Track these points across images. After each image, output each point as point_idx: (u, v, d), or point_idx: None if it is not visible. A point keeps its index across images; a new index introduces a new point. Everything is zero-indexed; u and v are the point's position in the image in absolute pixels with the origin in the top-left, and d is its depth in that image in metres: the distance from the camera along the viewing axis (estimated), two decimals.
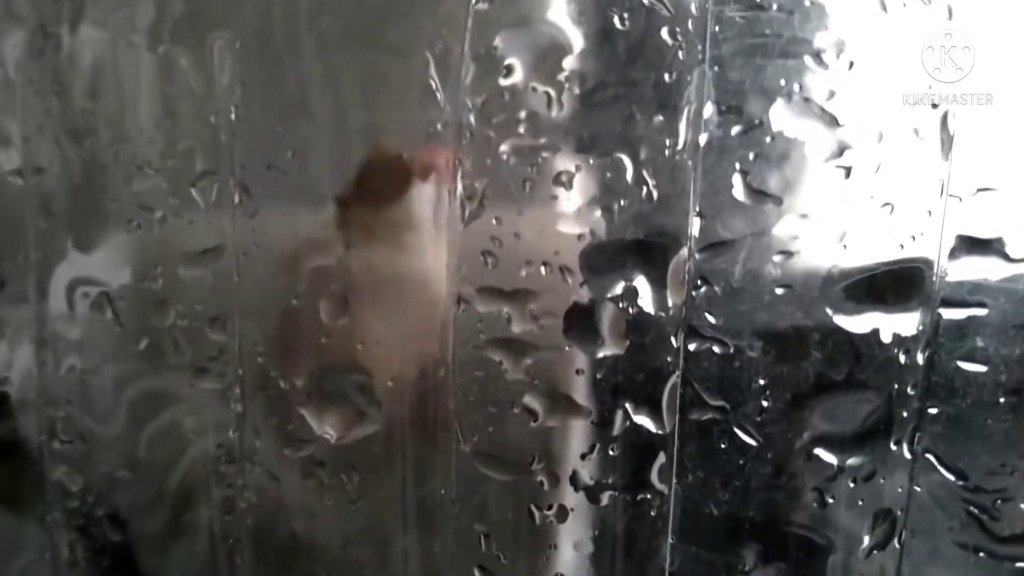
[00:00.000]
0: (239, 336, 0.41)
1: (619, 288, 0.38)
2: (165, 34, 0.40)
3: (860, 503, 0.40)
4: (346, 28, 0.39)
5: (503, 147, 0.38)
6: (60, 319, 0.42)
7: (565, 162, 0.38)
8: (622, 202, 0.37)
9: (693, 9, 0.38)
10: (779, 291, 0.38)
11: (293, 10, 0.39)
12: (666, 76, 0.37)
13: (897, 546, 0.41)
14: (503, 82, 0.38)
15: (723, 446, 0.40)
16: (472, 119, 0.38)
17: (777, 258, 0.38)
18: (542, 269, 0.38)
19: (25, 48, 0.41)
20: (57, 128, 0.41)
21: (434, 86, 0.39)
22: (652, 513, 0.41)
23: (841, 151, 0.37)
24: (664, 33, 0.38)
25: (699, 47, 0.38)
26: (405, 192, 0.38)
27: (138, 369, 0.42)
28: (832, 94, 0.37)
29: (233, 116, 0.39)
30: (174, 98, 0.40)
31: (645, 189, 0.38)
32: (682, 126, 0.37)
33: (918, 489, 0.41)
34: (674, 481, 0.40)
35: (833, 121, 0.37)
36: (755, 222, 0.38)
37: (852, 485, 0.40)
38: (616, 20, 0.38)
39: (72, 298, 0.42)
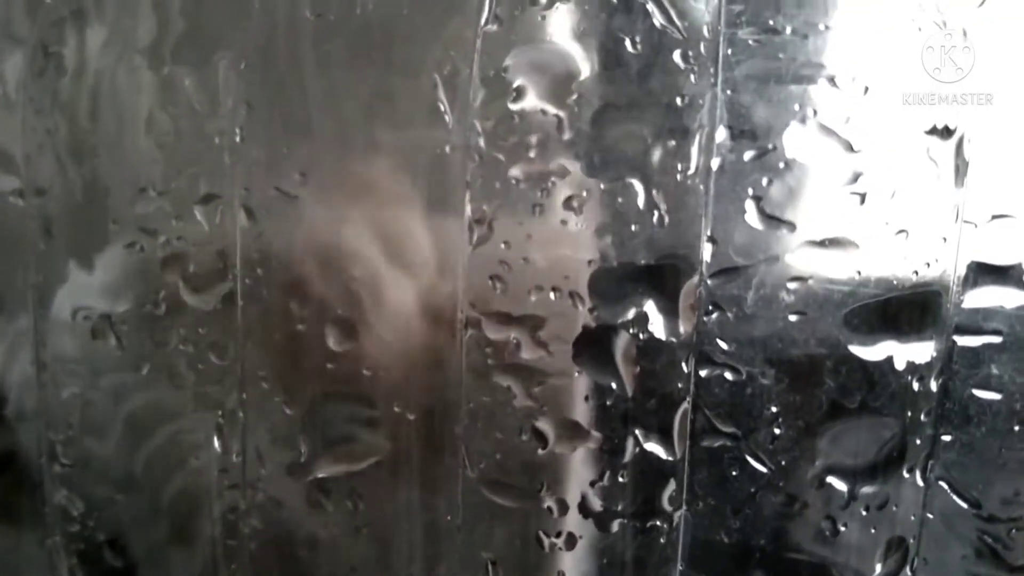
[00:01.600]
0: (242, 361, 0.41)
1: (630, 314, 0.38)
2: (168, 54, 0.40)
3: (872, 531, 0.39)
4: (352, 49, 0.39)
5: (512, 171, 0.37)
6: (60, 342, 0.41)
7: (575, 186, 0.37)
8: (633, 227, 0.37)
9: (705, 32, 0.37)
10: (792, 318, 0.37)
11: (298, 30, 0.39)
12: (678, 100, 0.37)
13: (909, 574, 0.41)
14: (512, 105, 0.37)
15: (734, 473, 0.39)
16: (481, 142, 0.38)
17: (791, 284, 0.37)
18: (551, 294, 0.38)
19: (26, 68, 0.41)
20: (58, 149, 0.40)
21: (442, 108, 0.38)
22: (662, 540, 0.40)
23: (856, 177, 0.37)
24: (676, 56, 0.37)
25: (711, 70, 0.37)
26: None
27: (139, 394, 0.41)
28: (847, 119, 0.36)
29: (238, 138, 0.39)
30: (177, 119, 0.39)
31: (656, 214, 0.37)
32: (694, 150, 0.37)
33: (930, 517, 0.40)
34: (684, 508, 0.40)
35: (848, 146, 0.36)
36: (768, 248, 0.37)
37: (864, 513, 0.39)
38: (627, 43, 0.37)
39: (72, 321, 0.41)
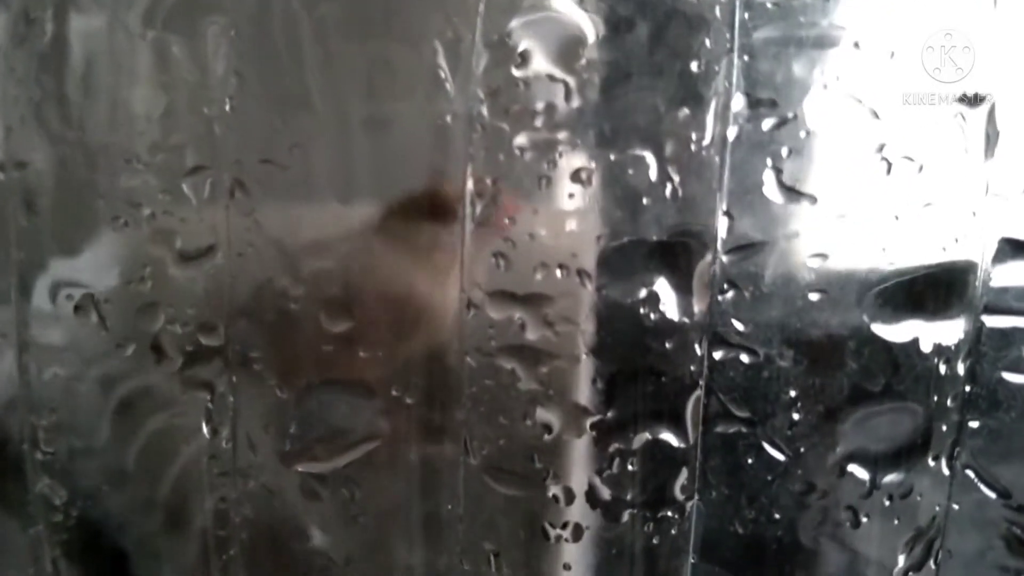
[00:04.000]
0: (233, 342, 0.39)
1: (640, 292, 0.36)
2: (157, 21, 0.38)
3: (896, 522, 0.37)
4: (348, 15, 0.37)
5: (517, 141, 0.35)
6: (42, 322, 0.40)
7: (584, 158, 0.35)
8: (644, 201, 0.35)
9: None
10: (813, 296, 0.35)
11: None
12: (692, 66, 0.35)
13: (933, 567, 0.39)
14: (517, 72, 0.35)
15: (750, 461, 0.37)
16: (484, 111, 0.36)
17: (811, 261, 0.35)
18: (558, 272, 0.36)
19: (7, 35, 0.39)
20: (41, 120, 0.38)
21: (443, 76, 0.36)
22: (673, 531, 0.38)
23: (880, 147, 0.35)
24: (690, 20, 0.35)
25: (727, 35, 0.35)
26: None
27: (124, 374, 0.39)
28: (871, 86, 0.34)
29: (228, 107, 0.37)
30: (165, 88, 0.37)
31: (669, 187, 0.35)
32: (709, 119, 0.35)
33: (956, 507, 0.38)
34: (696, 497, 0.38)
35: (872, 115, 0.34)
36: (787, 222, 0.35)
37: (888, 503, 0.37)
38: (639, 5, 0.35)
39: (55, 300, 0.39)
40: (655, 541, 0.38)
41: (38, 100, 0.39)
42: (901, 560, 0.38)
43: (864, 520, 0.37)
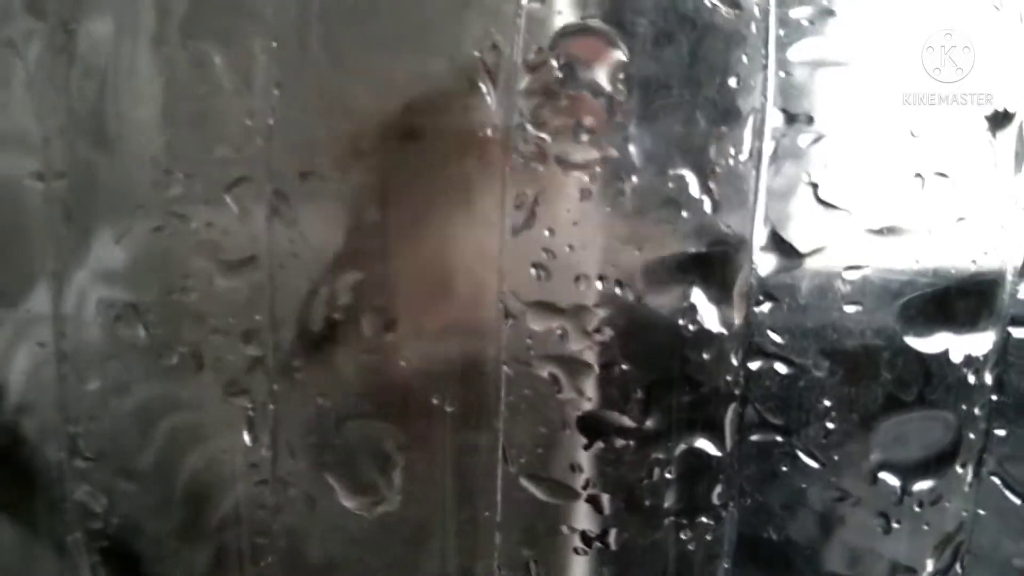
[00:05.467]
0: (274, 351, 0.39)
1: (678, 303, 0.36)
2: (197, 31, 0.38)
3: (925, 527, 0.38)
4: (391, 28, 0.37)
5: (558, 154, 0.36)
6: (81, 331, 0.40)
7: (624, 171, 0.36)
8: (684, 213, 0.36)
9: (756, 12, 0.36)
10: (848, 308, 0.36)
11: (334, 8, 0.37)
12: (731, 81, 0.35)
13: (959, 570, 0.40)
14: (557, 86, 0.36)
15: (784, 469, 0.38)
16: (524, 124, 0.36)
17: (847, 274, 0.36)
18: (598, 284, 0.36)
19: (45, 45, 0.39)
20: (80, 129, 0.39)
21: (484, 89, 0.36)
22: (708, 537, 0.39)
23: (915, 162, 0.35)
24: (727, 36, 0.36)
25: (763, 51, 0.36)
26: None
27: (165, 385, 0.39)
28: (906, 102, 0.35)
29: (271, 120, 0.37)
30: (207, 99, 0.37)
31: (708, 200, 0.36)
32: (747, 134, 0.36)
33: (982, 513, 0.39)
34: (732, 504, 0.38)
35: (907, 131, 0.35)
36: (823, 235, 0.36)
37: (918, 509, 0.38)
38: (677, 21, 0.36)
39: (95, 310, 0.39)
40: (691, 547, 0.39)
41: (77, 110, 0.39)
42: (930, 565, 0.39)
43: (895, 526, 0.38)
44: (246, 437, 0.40)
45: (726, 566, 0.39)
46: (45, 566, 0.44)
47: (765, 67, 0.36)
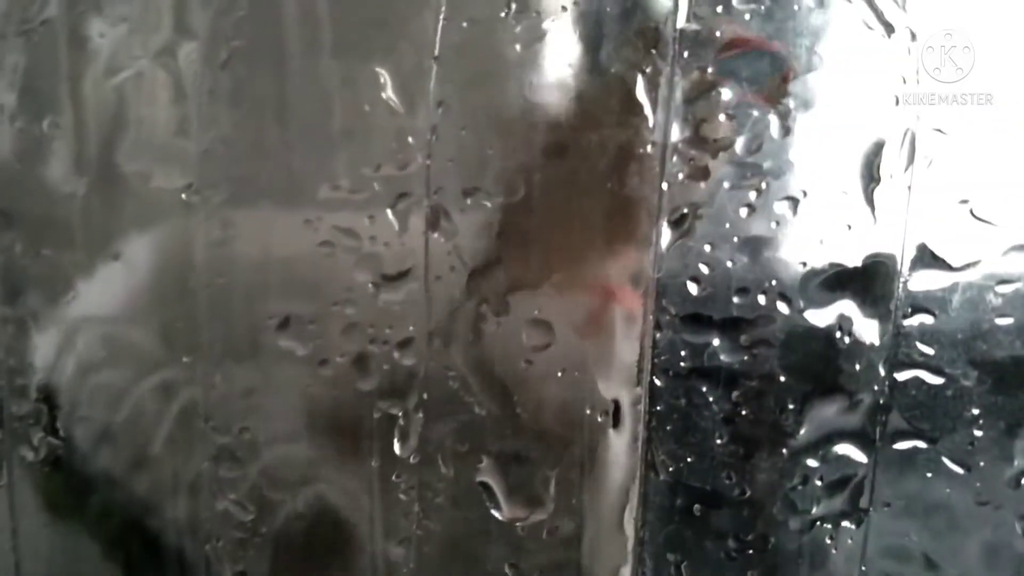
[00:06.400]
0: (427, 360, 0.40)
1: (835, 316, 0.38)
2: (359, 51, 0.39)
3: None
4: (551, 46, 0.38)
5: (721, 170, 0.37)
6: (239, 342, 0.40)
7: (789, 187, 0.37)
8: (848, 227, 0.37)
9: (910, 34, 0.37)
10: (998, 321, 0.37)
11: (496, 29, 0.38)
12: (894, 100, 0.37)
13: None
14: (722, 102, 0.37)
15: (928, 475, 0.39)
16: (686, 141, 0.37)
17: (998, 287, 0.37)
18: (759, 298, 0.37)
19: (204, 59, 0.39)
20: (241, 145, 0.39)
21: (645, 106, 0.37)
22: (849, 541, 0.40)
23: None
24: (883, 58, 0.37)
25: (916, 77, 0.37)
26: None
27: (325, 394, 0.40)
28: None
29: (432, 137, 0.38)
30: (369, 116, 0.38)
31: (867, 215, 0.37)
32: (904, 151, 0.37)
33: None
34: (871, 509, 0.40)
35: None
36: (976, 250, 0.37)
37: None
38: (836, 41, 0.37)
39: (255, 322, 0.40)
40: (833, 551, 0.40)
41: (238, 124, 0.40)
42: None
43: None
44: (396, 446, 0.41)
45: (862, 568, 0.40)
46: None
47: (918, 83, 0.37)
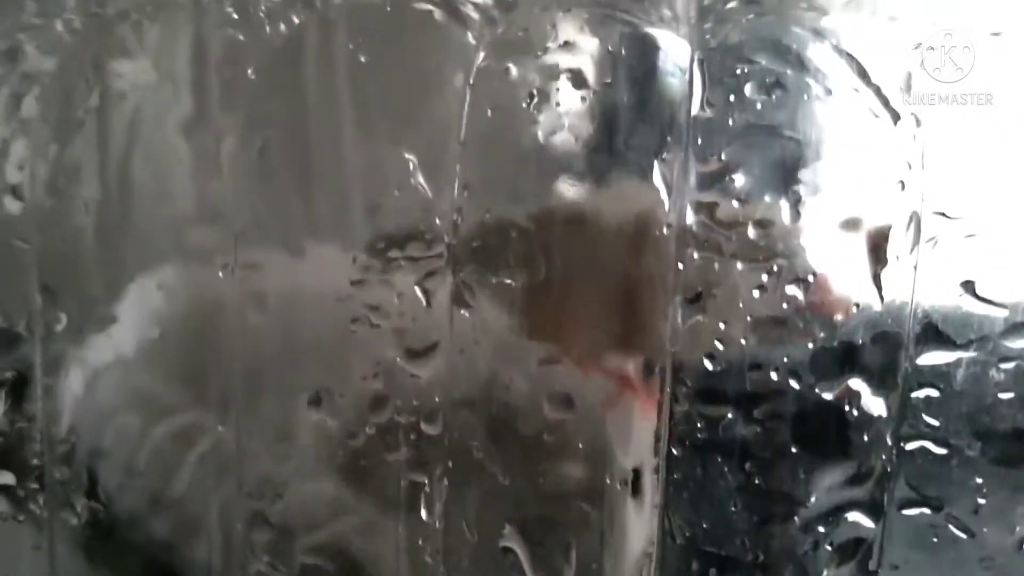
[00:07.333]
0: (450, 430, 0.42)
1: (843, 391, 0.39)
2: (390, 135, 0.41)
3: None
4: (570, 133, 0.40)
5: (732, 252, 0.39)
6: (270, 414, 0.42)
7: (799, 270, 0.38)
8: (855, 308, 0.38)
9: (915, 121, 0.39)
10: (1002, 396, 0.39)
11: (517, 113, 0.40)
12: (898, 186, 0.38)
13: None
14: (731, 190, 0.39)
15: (934, 540, 0.41)
16: (699, 224, 0.39)
17: (1002, 364, 0.39)
18: (772, 374, 0.39)
19: (239, 141, 0.41)
20: (270, 224, 0.41)
21: (661, 191, 0.39)
22: None
23: None
24: (886, 142, 0.39)
25: (923, 156, 0.39)
26: None
27: (350, 460, 0.42)
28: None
29: (458, 218, 0.40)
30: (400, 199, 0.40)
31: (873, 296, 0.39)
32: (909, 233, 0.38)
33: None
34: (879, 573, 0.41)
35: None
36: (980, 329, 0.39)
37: None
38: (849, 129, 0.39)
39: (284, 395, 0.42)
40: None
41: (269, 204, 0.42)
42: None
43: None
44: (423, 513, 0.43)
45: None
46: None
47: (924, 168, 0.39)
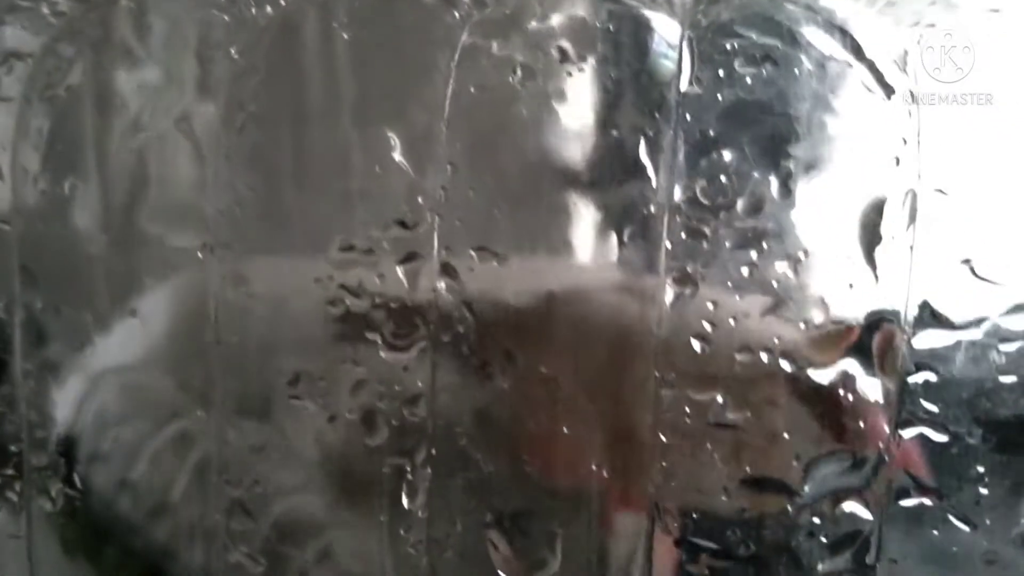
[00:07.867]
0: (434, 416, 0.41)
1: (837, 375, 0.38)
2: (369, 112, 0.40)
3: None
4: (557, 110, 0.39)
5: (721, 231, 0.38)
6: (250, 401, 0.41)
7: (790, 248, 0.37)
8: (850, 286, 0.37)
9: (904, 101, 0.38)
10: (1003, 379, 0.38)
11: (501, 93, 0.39)
12: (893, 160, 0.37)
13: None
14: (722, 164, 0.38)
15: (935, 532, 0.39)
16: (687, 202, 0.38)
17: (1002, 346, 0.37)
18: (763, 356, 0.38)
19: (220, 123, 0.41)
20: (257, 206, 0.41)
21: (648, 169, 0.38)
22: None
23: None
24: (881, 121, 0.38)
25: (918, 132, 0.38)
26: None
27: (335, 451, 0.41)
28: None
29: (442, 198, 0.39)
30: (381, 177, 0.39)
31: (869, 275, 0.37)
32: (905, 210, 0.37)
33: None
34: (878, 564, 0.40)
35: None
36: (979, 308, 0.38)
37: None
38: (835, 106, 0.38)
39: (265, 379, 0.41)
40: None
41: (251, 187, 0.41)
42: None
43: None
44: (404, 500, 0.42)
45: None
46: None
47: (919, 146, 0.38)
